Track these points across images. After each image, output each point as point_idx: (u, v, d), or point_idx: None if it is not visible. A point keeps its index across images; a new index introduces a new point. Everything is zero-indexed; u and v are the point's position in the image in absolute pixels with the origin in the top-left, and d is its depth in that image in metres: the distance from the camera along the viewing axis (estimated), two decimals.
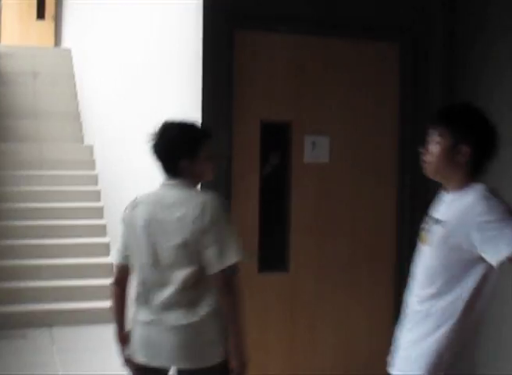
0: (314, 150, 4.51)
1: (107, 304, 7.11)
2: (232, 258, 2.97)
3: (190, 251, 2.93)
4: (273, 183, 4.54)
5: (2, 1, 14.09)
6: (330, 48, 4.54)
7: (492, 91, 4.34)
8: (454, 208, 2.50)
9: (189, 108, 4.45)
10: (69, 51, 12.23)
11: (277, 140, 4.51)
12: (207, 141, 3.15)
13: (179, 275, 2.96)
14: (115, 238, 7.63)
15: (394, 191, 4.71)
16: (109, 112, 8.01)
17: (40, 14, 14.75)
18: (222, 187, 4.24)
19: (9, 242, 7.63)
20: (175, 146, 3.09)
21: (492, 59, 4.35)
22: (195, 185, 3.17)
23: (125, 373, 3.21)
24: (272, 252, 4.53)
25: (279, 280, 4.51)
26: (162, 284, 3.00)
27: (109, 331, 6.83)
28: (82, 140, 9.97)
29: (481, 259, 2.40)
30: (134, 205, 3.14)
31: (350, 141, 4.61)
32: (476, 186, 2.48)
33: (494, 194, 2.46)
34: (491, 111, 4.24)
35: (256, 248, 4.41)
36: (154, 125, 3.16)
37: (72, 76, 11.25)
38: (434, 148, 2.55)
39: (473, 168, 2.52)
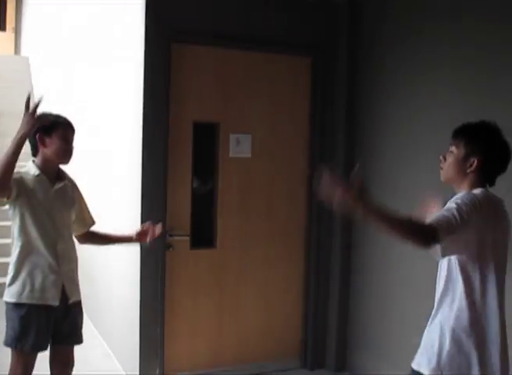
0: (238, 146, 4.55)
1: None
2: None
3: None
4: (203, 174, 4.55)
5: None
6: (251, 61, 4.57)
7: (385, 96, 4.48)
8: None
9: (132, 110, 4.45)
10: (27, 58, 11.94)
11: (207, 138, 4.52)
12: (63, 125, 3.24)
13: None
14: None
15: (304, 181, 4.80)
16: (64, 112, 7.87)
17: (2, 26, 14.33)
18: (159, 176, 4.29)
19: None
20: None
21: (385, 70, 4.48)
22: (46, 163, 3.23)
23: None
24: (202, 232, 4.54)
25: (208, 255, 4.54)
26: None
27: None
28: None
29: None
30: None
31: (268, 139, 4.66)
32: (476, 189, 2.45)
33: (488, 198, 2.41)
34: (385, 113, 4.43)
35: (188, 228, 4.45)
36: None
37: (30, 80, 10.98)
38: (449, 157, 2.51)
39: (482, 179, 2.46)
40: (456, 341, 2.38)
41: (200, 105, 4.45)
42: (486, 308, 2.39)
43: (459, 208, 2.29)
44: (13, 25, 14.30)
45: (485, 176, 2.47)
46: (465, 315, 2.37)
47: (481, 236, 2.36)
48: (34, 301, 3.15)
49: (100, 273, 5.62)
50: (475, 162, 2.43)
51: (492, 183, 2.51)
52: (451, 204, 2.34)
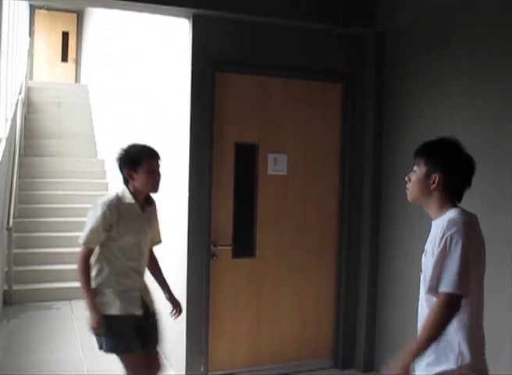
0: (275, 165, 4.50)
1: None
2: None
3: None
4: (244, 190, 4.50)
5: (34, 48, 13.93)
6: (287, 87, 4.53)
7: (411, 120, 4.39)
8: (431, 237, 2.25)
9: (179, 133, 4.44)
10: (86, 86, 12.13)
11: (247, 157, 4.47)
12: (147, 158, 3.14)
13: None
14: None
15: (336, 196, 4.73)
16: (117, 132, 7.95)
17: (64, 58, 14.60)
18: (205, 192, 4.27)
19: (39, 234, 7.51)
20: (119, 160, 3.19)
21: (410, 94, 4.40)
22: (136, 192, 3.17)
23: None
24: (243, 242, 4.49)
25: (248, 263, 4.49)
26: None
27: None
28: (96, 155, 9.85)
29: None
30: None
31: (302, 158, 4.61)
32: (450, 210, 2.24)
33: (466, 218, 2.20)
34: (411, 134, 4.33)
35: (231, 240, 4.40)
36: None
37: (89, 106, 11.13)
38: (412, 177, 2.34)
39: (448, 195, 2.26)
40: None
41: (241, 127, 4.41)
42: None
43: (460, 260, 2.10)
44: (74, 56, 14.58)
45: (450, 192, 2.26)
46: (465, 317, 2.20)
47: (468, 253, 2.14)
48: (124, 312, 3.12)
49: (150, 277, 5.60)
50: (437, 178, 2.24)
51: (459, 198, 2.30)
52: (448, 252, 2.12)
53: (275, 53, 4.44)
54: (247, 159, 4.47)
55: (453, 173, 2.25)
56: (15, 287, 6.57)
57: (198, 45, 4.20)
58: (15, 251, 6.91)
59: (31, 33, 13.46)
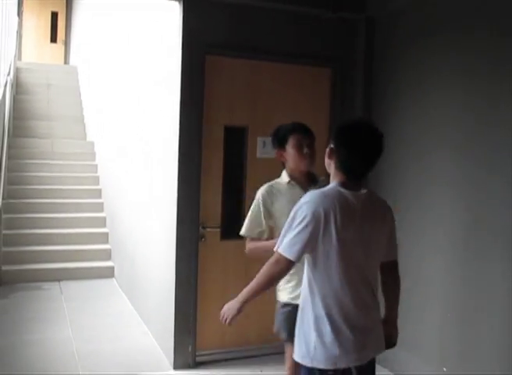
0: (264, 148, 4.52)
1: (101, 263, 7.20)
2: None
3: None
4: (233, 173, 4.54)
5: (23, 29, 13.81)
6: (277, 71, 4.56)
7: (400, 112, 4.44)
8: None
9: (170, 115, 4.47)
10: (75, 68, 12.05)
11: (236, 140, 4.51)
12: (292, 134, 3.09)
13: None
14: (109, 215, 7.61)
15: (323, 174, 4.76)
16: (107, 114, 7.95)
17: (53, 38, 14.49)
18: (194, 175, 4.30)
19: (29, 215, 7.52)
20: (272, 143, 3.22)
21: (396, 80, 4.45)
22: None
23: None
24: (231, 225, 4.47)
25: (236, 245, 4.42)
26: None
27: (102, 284, 6.93)
28: (85, 137, 9.82)
29: None
30: None
31: None
32: (331, 183, 2.37)
33: (330, 191, 2.31)
34: (397, 122, 4.38)
35: (219, 222, 4.45)
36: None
37: (78, 88, 11.07)
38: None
39: (340, 168, 2.33)
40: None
41: (230, 110, 4.44)
42: None
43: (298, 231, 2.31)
44: (63, 37, 14.47)
45: (342, 166, 2.34)
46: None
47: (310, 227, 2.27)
48: None
49: (141, 260, 5.66)
50: (329, 150, 2.38)
51: (355, 177, 2.35)
52: (291, 220, 2.33)
53: (265, 37, 4.46)
54: (236, 142, 4.50)
55: (339, 147, 2.33)
56: (4, 268, 6.60)
57: (189, 28, 4.20)
58: (4, 231, 6.93)
59: (20, 14, 13.31)
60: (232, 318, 2.52)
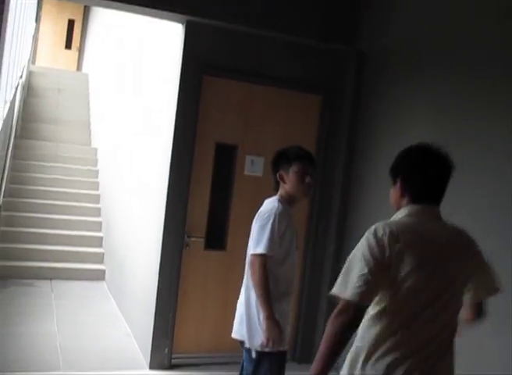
0: (252, 166, 4.76)
1: (93, 266, 7.40)
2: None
3: None
4: (221, 188, 4.77)
5: (39, 33, 14.19)
6: (269, 94, 4.82)
7: (382, 144, 4.70)
8: None
9: (166, 128, 4.73)
10: (86, 75, 12.35)
11: (226, 157, 4.75)
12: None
13: None
14: (105, 220, 7.86)
15: (307, 201, 4.96)
16: (111, 122, 8.22)
17: (68, 45, 14.88)
18: (183, 187, 4.56)
19: (28, 215, 7.76)
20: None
21: (383, 111, 4.71)
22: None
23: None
24: (215, 236, 4.76)
25: (218, 256, 4.76)
26: None
27: (92, 286, 7.11)
28: (90, 143, 10.07)
29: None
30: None
31: None
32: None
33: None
34: (381, 151, 4.60)
35: (204, 232, 4.69)
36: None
37: (88, 95, 11.35)
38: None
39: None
40: None
41: (222, 128, 4.70)
42: None
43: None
44: (78, 44, 14.83)
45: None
46: None
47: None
48: None
49: (129, 265, 5.90)
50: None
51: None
52: None
53: (260, 62, 4.73)
54: (225, 159, 4.75)
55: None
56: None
57: (189, 49, 4.49)
58: (2, 228, 7.18)
59: (38, 19, 13.71)
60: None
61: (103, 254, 7.55)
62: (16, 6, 7.66)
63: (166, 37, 5.05)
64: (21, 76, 9.78)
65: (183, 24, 4.53)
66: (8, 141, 7.84)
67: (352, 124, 4.96)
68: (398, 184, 2.16)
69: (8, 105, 7.93)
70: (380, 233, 1.98)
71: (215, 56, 4.60)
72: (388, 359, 1.97)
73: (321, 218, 5.03)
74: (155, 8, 4.32)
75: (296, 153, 3.10)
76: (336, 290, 2.00)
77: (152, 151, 5.28)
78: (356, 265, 1.98)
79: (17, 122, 9.03)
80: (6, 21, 6.62)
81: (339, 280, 2.02)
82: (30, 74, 11.36)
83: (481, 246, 2.21)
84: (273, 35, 4.69)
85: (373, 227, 2.03)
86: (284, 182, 3.09)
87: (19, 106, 9.26)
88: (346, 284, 1.96)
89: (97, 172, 9.14)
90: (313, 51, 4.88)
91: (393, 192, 2.20)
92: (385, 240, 1.97)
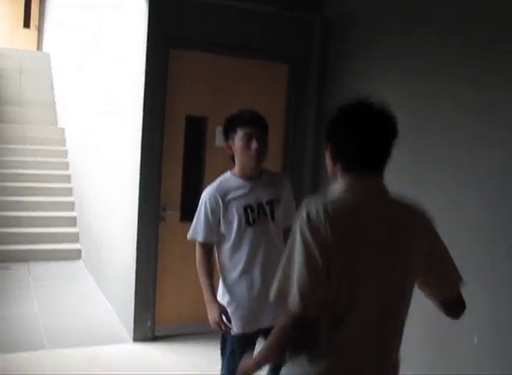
0: (222, 137, 4.81)
1: (69, 246, 7.40)
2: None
3: None
4: (193, 160, 4.82)
5: None
6: (237, 65, 4.84)
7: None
8: None
9: (134, 105, 4.74)
10: (48, 54, 12.12)
11: (197, 129, 4.79)
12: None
13: None
14: (78, 200, 7.84)
15: (279, 163, 5.05)
16: (77, 101, 8.15)
17: (26, 24, 14.54)
18: (156, 161, 4.60)
19: None
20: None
21: (349, 78, 4.77)
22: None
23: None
24: (190, 208, 4.68)
25: None
26: None
27: (69, 265, 7.13)
28: (56, 123, 9.97)
29: None
30: None
31: None
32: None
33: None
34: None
35: (179, 205, 4.75)
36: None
37: (50, 74, 11.18)
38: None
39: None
40: None
41: (192, 101, 4.72)
42: None
43: None
44: (36, 23, 14.50)
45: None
46: None
47: None
48: None
49: (106, 242, 5.94)
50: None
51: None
52: None
53: (227, 33, 4.74)
54: (196, 131, 4.79)
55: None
56: None
57: (154, 23, 4.48)
58: None
59: None
60: None
61: (78, 233, 7.56)
62: None
63: (130, 13, 5.01)
64: None
65: None
66: None
67: (319, 92, 5.01)
68: (328, 149, 1.84)
69: None
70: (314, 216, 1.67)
71: (181, 29, 4.59)
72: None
73: (292, 188, 5.10)
74: None
75: (241, 118, 2.75)
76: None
77: (122, 128, 5.28)
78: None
79: None
80: None
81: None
82: None
83: (452, 223, 1.85)
84: (239, 5, 4.70)
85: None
86: (233, 152, 2.78)
87: None
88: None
89: (66, 152, 9.08)
90: (279, 20, 4.91)
91: (328, 160, 1.86)
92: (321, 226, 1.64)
